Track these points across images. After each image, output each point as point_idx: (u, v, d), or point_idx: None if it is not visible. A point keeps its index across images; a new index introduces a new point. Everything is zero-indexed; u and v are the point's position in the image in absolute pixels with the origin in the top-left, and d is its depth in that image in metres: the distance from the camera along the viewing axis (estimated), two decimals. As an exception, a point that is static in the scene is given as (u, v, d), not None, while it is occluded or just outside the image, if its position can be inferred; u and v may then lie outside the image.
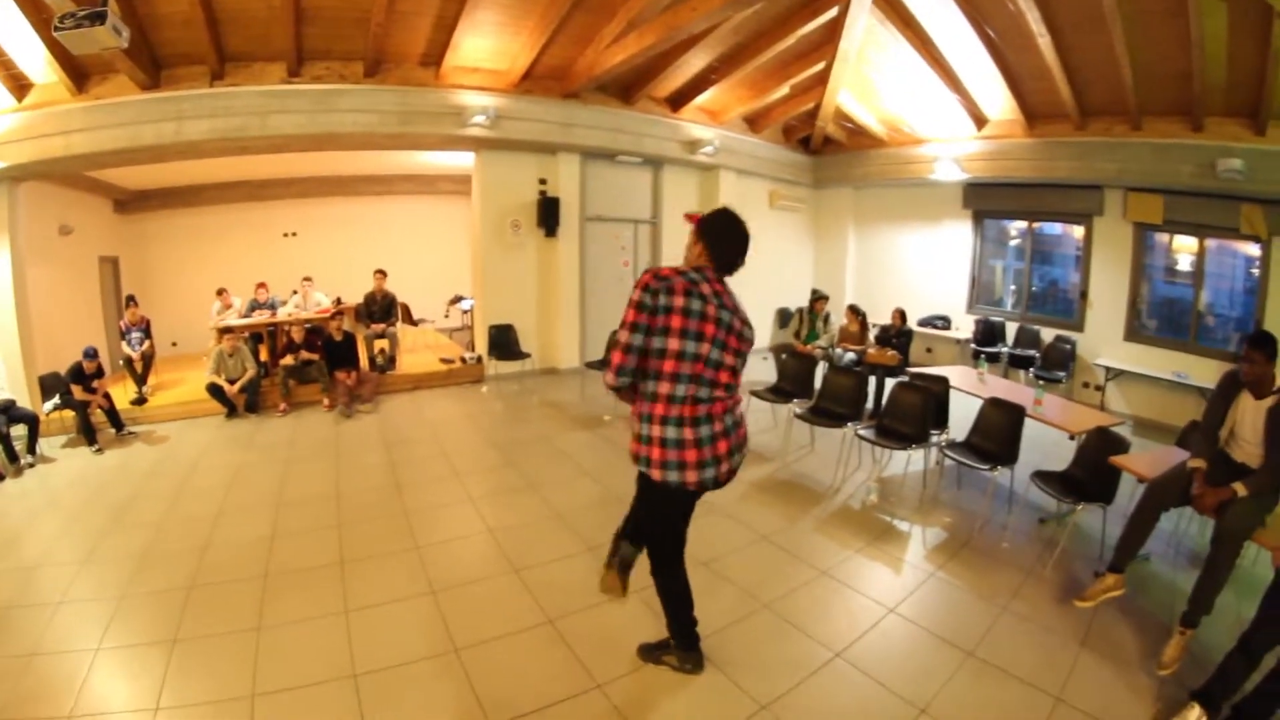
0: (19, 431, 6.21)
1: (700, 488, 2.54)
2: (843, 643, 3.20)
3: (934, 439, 5.27)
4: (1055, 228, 9.60)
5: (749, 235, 2.64)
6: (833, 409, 5.77)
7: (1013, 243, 10.22)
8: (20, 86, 6.57)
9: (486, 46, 7.53)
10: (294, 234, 12.23)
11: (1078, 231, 9.00)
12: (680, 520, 2.76)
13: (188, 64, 6.81)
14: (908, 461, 5.71)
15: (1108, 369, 8.13)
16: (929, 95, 8.88)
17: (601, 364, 7.72)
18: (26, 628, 3.42)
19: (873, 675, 2.96)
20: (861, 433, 5.28)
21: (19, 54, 6.18)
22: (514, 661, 3.07)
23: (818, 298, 8.29)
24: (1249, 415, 3.24)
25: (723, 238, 2.60)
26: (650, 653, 3.04)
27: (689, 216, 2.79)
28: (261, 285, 9.10)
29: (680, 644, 2.95)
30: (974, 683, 2.93)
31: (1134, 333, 8.27)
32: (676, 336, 2.42)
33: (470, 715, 2.71)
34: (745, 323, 2.62)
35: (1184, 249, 8.07)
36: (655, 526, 2.75)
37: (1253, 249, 7.43)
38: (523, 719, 2.69)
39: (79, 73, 6.54)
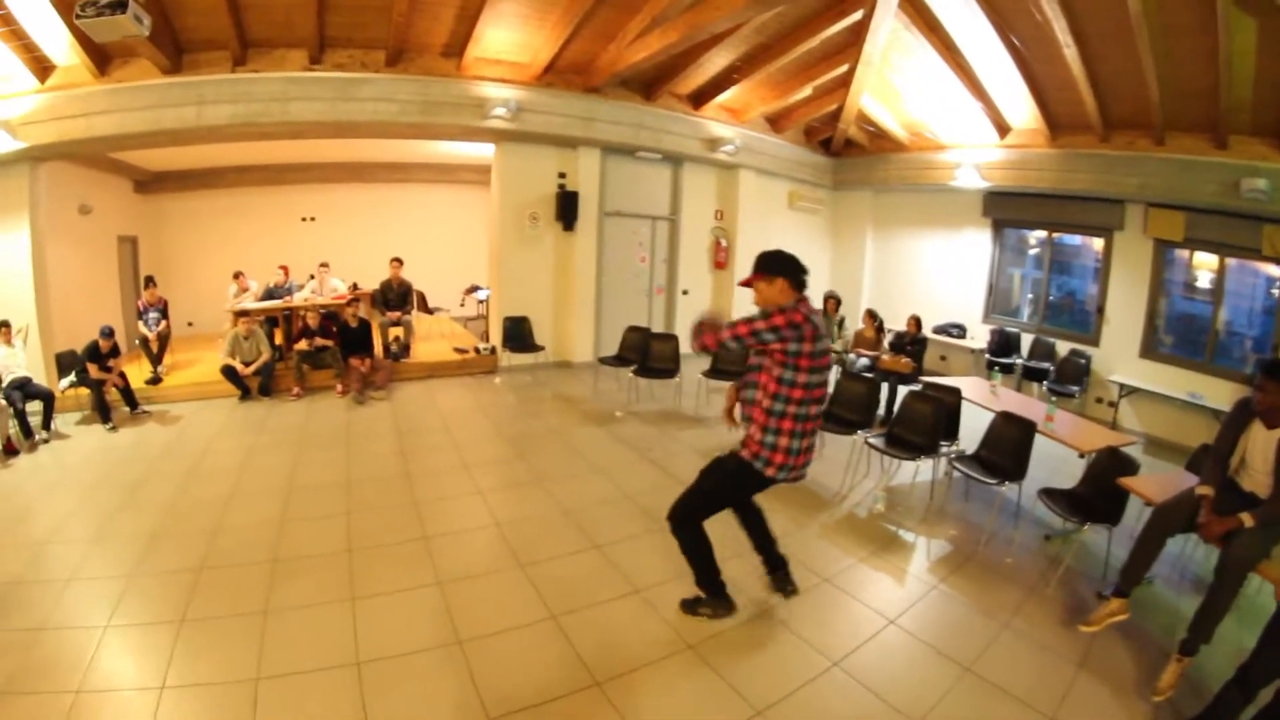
0: (34, 408, 6.30)
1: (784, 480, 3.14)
2: (841, 652, 3.22)
3: (943, 450, 5.27)
4: (1075, 238, 9.51)
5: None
6: (843, 415, 5.77)
7: (1031, 252, 10.14)
8: (43, 68, 6.62)
9: (509, 39, 7.53)
10: (312, 218, 12.30)
11: (1098, 243, 8.92)
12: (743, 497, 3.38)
13: (210, 49, 6.85)
14: (915, 472, 5.68)
15: (1121, 386, 8.05)
16: (952, 101, 8.80)
17: (618, 360, 7.77)
18: (36, 603, 3.49)
19: (869, 686, 2.98)
20: (871, 441, 5.28)
21: (41, 36, 6.21)
22: (515, 655, 3.11)
23: (828, 298, 8.27)
24: (1260, 445, 3.21)
25: (796, 268, 3.06)
26: (690, 605, 3.46)
27: (745, 283, 3.21)
28: (283, 267, 9.17)
29: (711, 593, 3.38)
30: (970, 698, 2.94)
31: (1150, 350, 8.18)
32: (805, 373, 2.94)
33: (469, 707, 2.75)
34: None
35: (1204, 265, 7.95)
36: (718, 500, 3.28)
37: (1275, 270, 7.32)
38: (521, 713, 2.72)
39: (101, 56, 6.58)
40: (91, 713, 2.70)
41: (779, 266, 3.08)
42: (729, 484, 3.22)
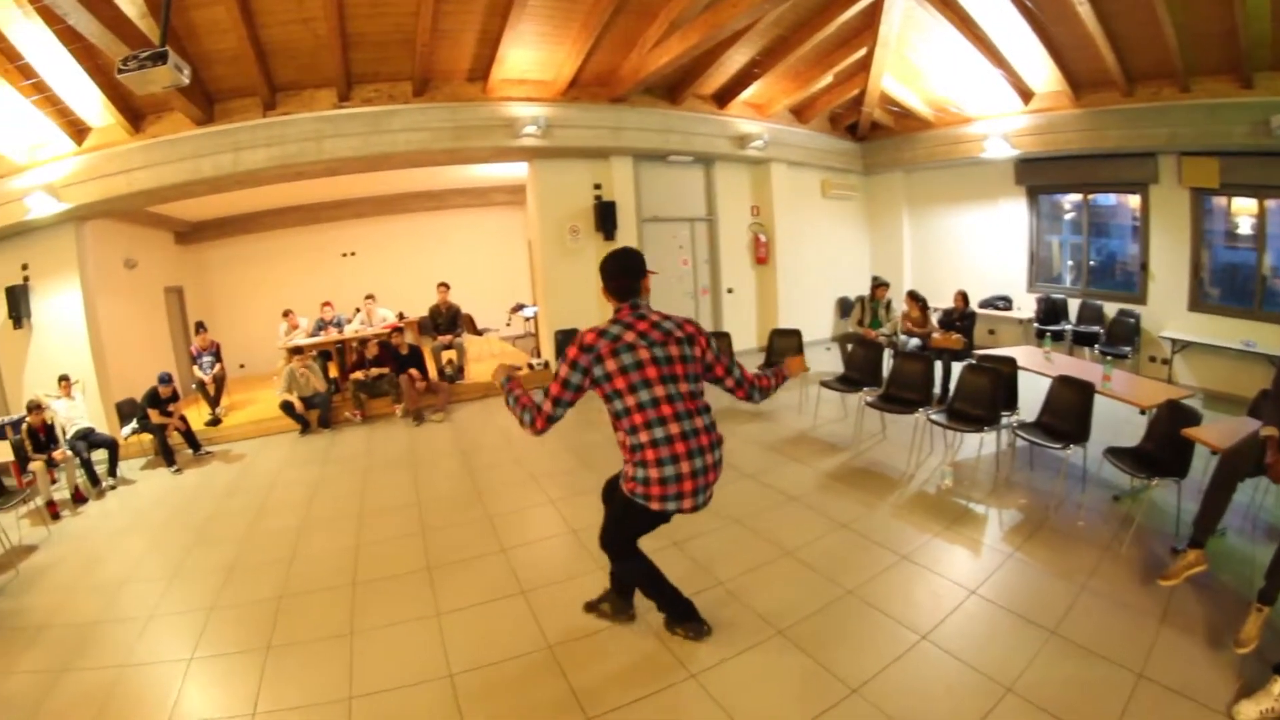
0: (99, 456, 6.57)
1: (679, 511, 2.77)
2: (928, 625, 3.23)
3: (1005, 420, 5.23)
4: (1110, 198, 9.33)
5: (631, 256, 2.90)
6: (902, 395, 5.78)
7: (1068, 217, 9.97)
8: (78, 131, 6.91)
9: (531, 58, 7.67)
10: (352, 253, 12.63)
11: (1133, 200, 8.74)
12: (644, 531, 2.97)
13: (240, 96, 7.11)
14: (980, 444, 5.66)
15: (1174, 341, 7.87)
16: (973, 73, 8.74)
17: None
18: (118, 641, 3.61)
19: (959, 656, 2.98)
20: (933, 417, 5.28)
21: (75, 100, 6.48)
22: (606, 655, 3.16)
23: (878, 284, 8.26)
24: None
25: (607, 273, 2.85)
26: (671, 625, 3.22)
27: None
28: (327, 304, 9.40)
29: (684, 618, 3.17)
30: (1057, 661, 2.92)
31: (1198, 302, 7.99)
32: (629, 394, 2.66)
33: (566, 707, 2.80)
34: (684, 338, 2.80)
35: (1244, 211, 7.74)
36: (625, 536, 2.99)
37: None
38: (617, 711, 2.77)
39: (135, 114, 6.87)
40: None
41: (603, 269, 2.84)
42: (626, 519, 2.89)
